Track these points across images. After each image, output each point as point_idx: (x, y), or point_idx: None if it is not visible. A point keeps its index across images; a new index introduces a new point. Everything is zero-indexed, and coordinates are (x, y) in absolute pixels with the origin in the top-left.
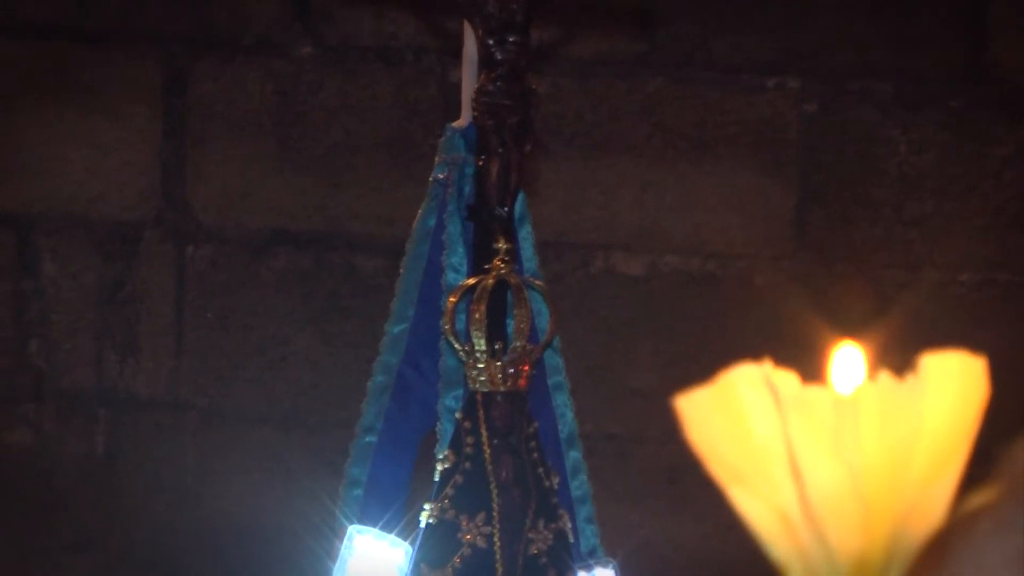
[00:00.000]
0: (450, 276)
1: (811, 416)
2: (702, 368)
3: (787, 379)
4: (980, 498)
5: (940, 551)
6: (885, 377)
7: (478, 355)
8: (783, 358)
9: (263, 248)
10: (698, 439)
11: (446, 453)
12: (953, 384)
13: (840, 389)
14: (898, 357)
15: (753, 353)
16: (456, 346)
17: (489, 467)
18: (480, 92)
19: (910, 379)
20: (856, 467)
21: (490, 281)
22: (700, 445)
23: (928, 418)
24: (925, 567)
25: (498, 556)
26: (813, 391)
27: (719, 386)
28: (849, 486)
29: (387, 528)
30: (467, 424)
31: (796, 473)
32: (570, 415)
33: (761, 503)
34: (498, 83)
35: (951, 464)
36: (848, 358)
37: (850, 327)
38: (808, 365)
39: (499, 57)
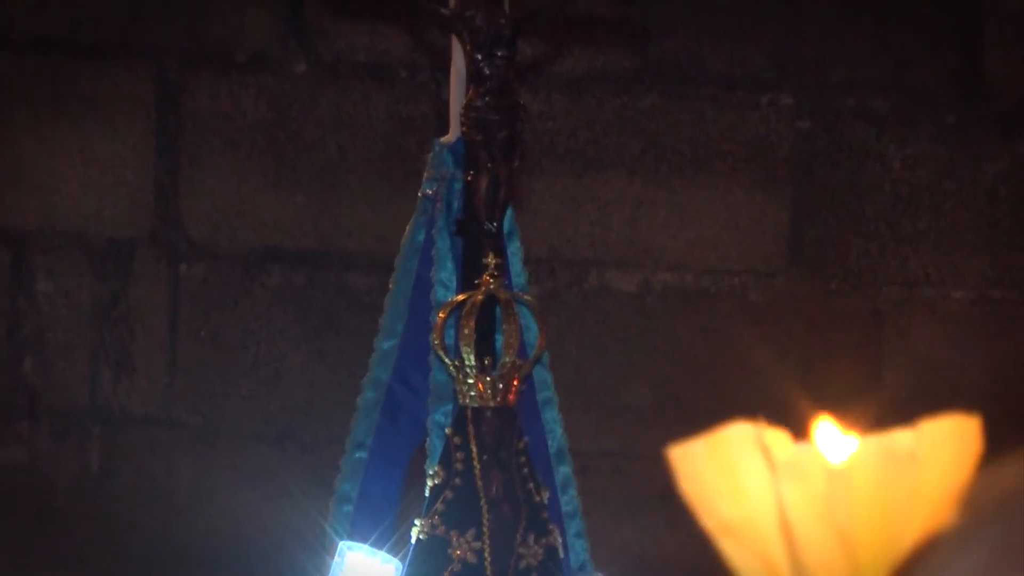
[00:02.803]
0: (439, 291)
1: (804, 482)
2: (695, 385)
3: (780, 441)
4: (945, 517)
5: (908, 571)
6: (879, 442)
7: (467, 370)
8: (776, 375)
9: (257, 265)
10: (690, 490)
11: (436, 469)
12: (948, 449)
13: (831, 460)
14: (892, 375)
15: (746, 370)
16: (446, 361)
17: (479, 483)
18: (468, 107)
19: (904, 443)
20: (848, 534)
21: (479, 296)
22: (691, 496)
23: (923, 485)
24: None
25: (488, 572)
26: (806, 455)
27: (713, 441)
28: (840, 551)
29: (378, 544)
30: (457, 440)
31: (787, 534)
32: (559, 430)
33: (751, 557)
34: (486, 98)
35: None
36: (829, 434)
37: (844, 346)
38: (801, 382)
39: (487, 72)
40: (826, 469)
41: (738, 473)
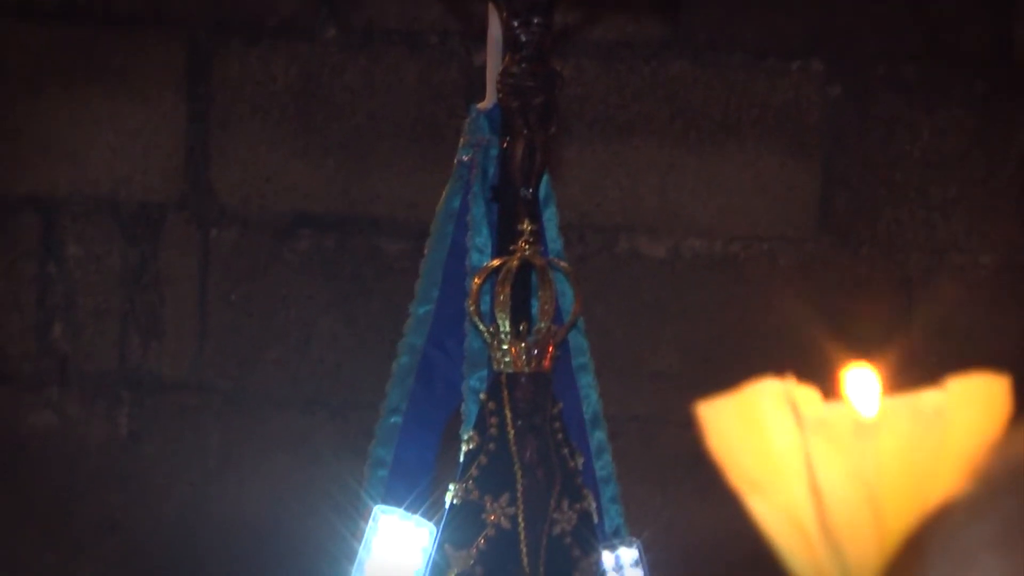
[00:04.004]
0: (475, 257)
1: (832, 438)
2: (725, 351)
3: (809, 397)
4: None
5: (918, 541)
6: (907, 400)
7: (503, 336)
8: (805, 342)
9: (287, 231)
10: (717, 447)
11: (471, 434)
12: (976, 405)
13: (861, 411)
14: (922, 341)
15: (776, 336)
16: (481, 327)
17: (513, 448)
18: (505, 74)
19: (932, 402)
20: (875, 489)
21: (515, 262)
22: (719, 453)
23: (950, 441)
24: (906, 558)
25: (522, 537)
26: (834, 411)
27: (740, 397)
28: (867, 507)
29: (412, 508)
30: (491, 405)
31: (815, 490)
32: (594, 396)
33: (779, 514)
34: (523, 64)
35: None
36: (862, 380)
37: (873, 312)
38: (830, 348)
39: (524, 39)
40: (854, 426)
41: (766, 430)
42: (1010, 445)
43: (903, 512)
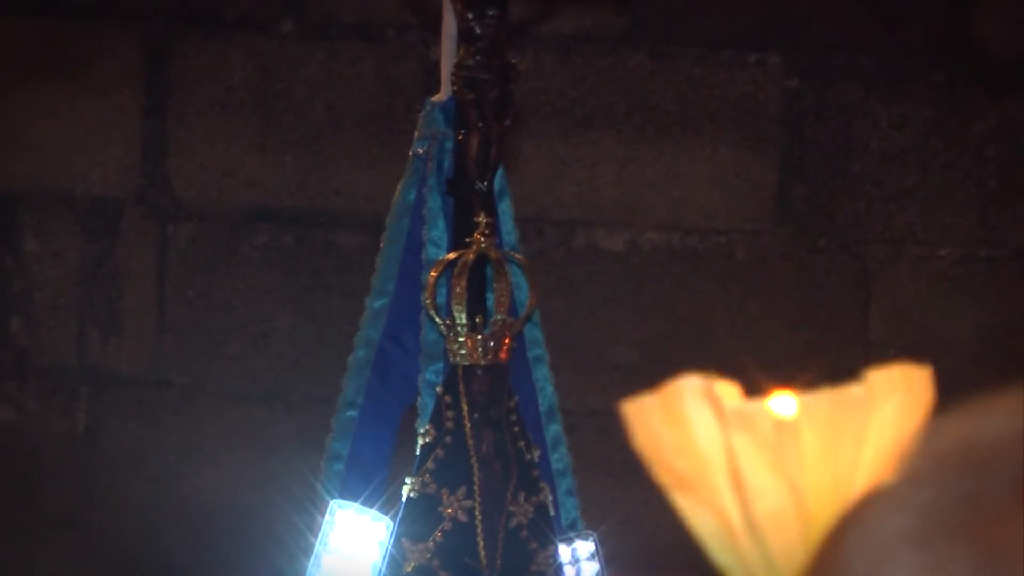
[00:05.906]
0: (430, 250)
1: (753, 434)
2: (683, 344)
3: (730, 393)
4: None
5: (838, 535)
6: (827, 395)
7: (459, 329)
8: (763, 334)
9: (245, 225)
10: (643, 445)
11: (427, 427)
12: (896, 398)
13: (781, 411)
14: (879, 333)
15: (734, 329)
16: (437, 320)
17: (470, 441)
18: (459, 66)
19: (852, 396)
20: (798, 484)
21: (470, 255)
22: (645, 450)
23: (871, 434)
24: (826, 551)
25: (479, 530)
26: (755, 408)
27: (664, 394)
28: (790, 502)
29: (368, 502)
30: (448, 398)
31: (738, 487)
32: (550, 388)
33: (705, 510)
34: (477, 57)
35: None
36: (783, 406)
37: (831, 304)
38: (788, 341)
39: (478, 31)
40: (775, 420)
41: (689, 427)
42: (932, 436)
43: (826, 505)
